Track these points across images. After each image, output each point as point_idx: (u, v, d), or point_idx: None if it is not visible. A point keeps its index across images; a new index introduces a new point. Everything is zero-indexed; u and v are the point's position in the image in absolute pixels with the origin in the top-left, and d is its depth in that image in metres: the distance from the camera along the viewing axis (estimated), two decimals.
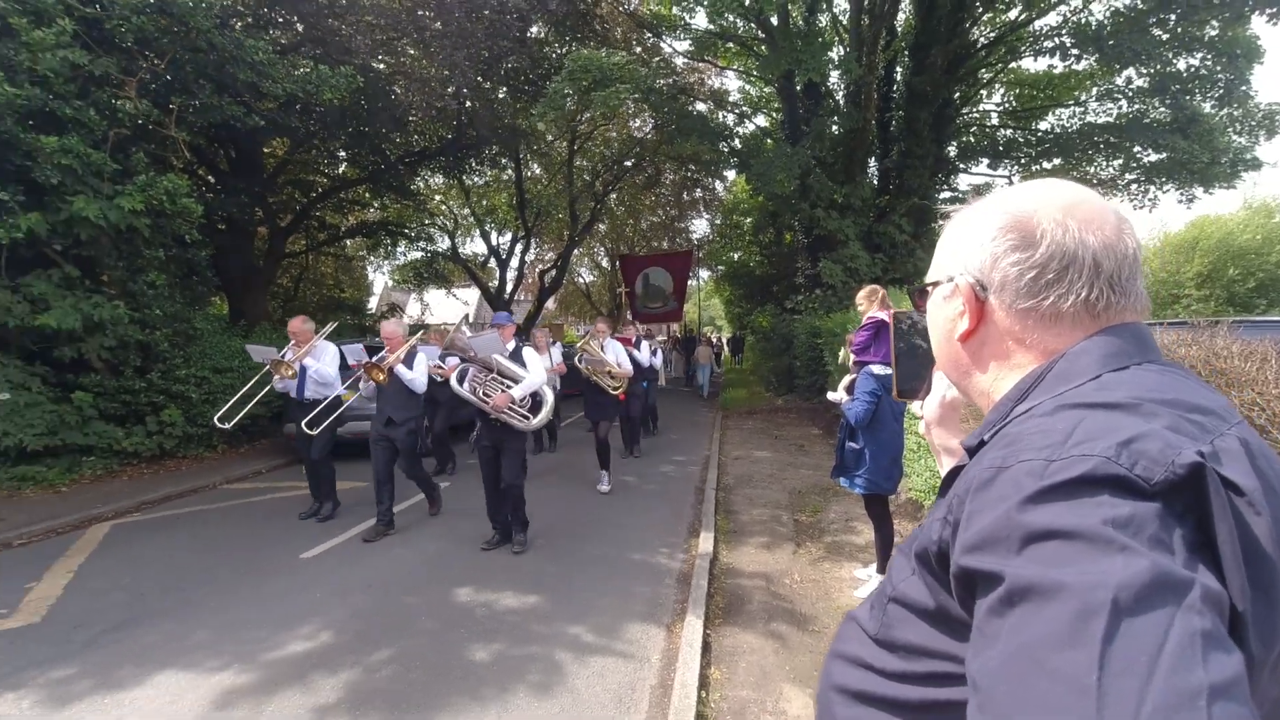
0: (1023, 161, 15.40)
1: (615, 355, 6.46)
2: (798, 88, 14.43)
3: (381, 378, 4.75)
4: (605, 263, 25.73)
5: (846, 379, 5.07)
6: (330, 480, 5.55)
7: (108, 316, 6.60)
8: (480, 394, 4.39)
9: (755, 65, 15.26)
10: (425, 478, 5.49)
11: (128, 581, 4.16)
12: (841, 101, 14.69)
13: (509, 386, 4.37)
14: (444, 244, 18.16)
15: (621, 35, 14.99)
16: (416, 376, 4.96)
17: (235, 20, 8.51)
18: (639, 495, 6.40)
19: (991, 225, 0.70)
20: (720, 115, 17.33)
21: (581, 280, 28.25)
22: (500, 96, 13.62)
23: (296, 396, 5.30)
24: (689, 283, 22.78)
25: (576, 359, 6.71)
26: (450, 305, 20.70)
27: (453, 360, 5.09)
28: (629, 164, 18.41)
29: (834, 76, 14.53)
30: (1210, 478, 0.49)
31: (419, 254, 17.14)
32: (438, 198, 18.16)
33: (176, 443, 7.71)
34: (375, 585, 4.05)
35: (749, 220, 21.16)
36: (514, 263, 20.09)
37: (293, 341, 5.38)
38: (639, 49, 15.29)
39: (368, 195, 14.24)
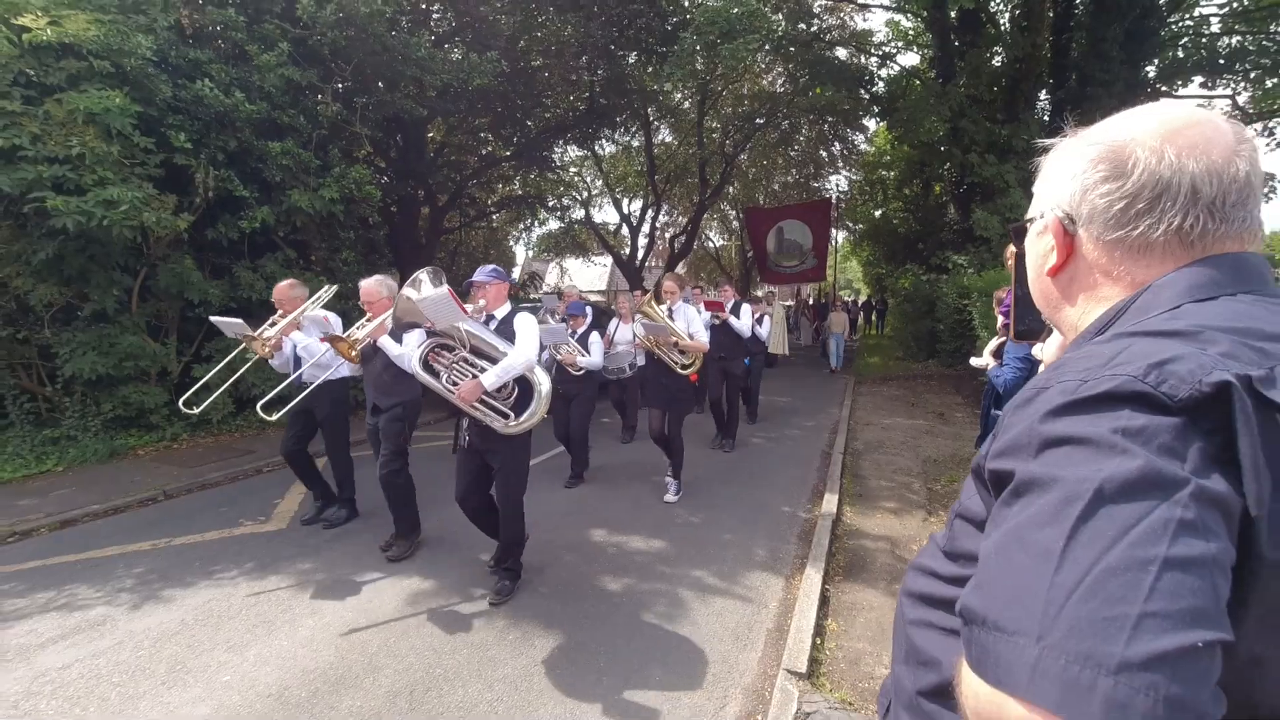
0: (1252, 76, 12.44)
1: (686, 322, 4.78)
2: (951, 13, 12.85)
3: (353, 355, 3.58)
4: (736, 225, 25.23)
5: (993, 343, 4.71)
6: (346, 478, 4.60)
7: (316, 287, 7.96)
8: (445, 380, 3.16)
9: None
10: (348, 476, 4.52)
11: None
12: (1005, 27, 12.87)
13: (484, 370, 3.11)
14: (579, 214, 19.05)
15: None
16: (406, 352, 3.50)
17: (402, 19, 9.54)
18: (764, 456, 6.50)
19: (1083, 157, 0.69)
20: (861, 59, 16.02)
21: (711, 244, 28.05)
22: (631, 61, 13.80)
23: (295, 378, 4.19)
24: (828, 238, 20.05)
25: (631, 328, 5.47)
26: (587, 272, 21.78)
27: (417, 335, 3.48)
28: (760, 121, 17.74)
29: None
30: (1238, 396, 0.49)
31: (557, 224, 18.17)
32: (573, 169, 18.98)
33: None
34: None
35: (892, 173, 19.49)
36: (644, 229, 20.50)
37: (279, 311, 4.26)
38: None
39: (510, 171, 15.30)
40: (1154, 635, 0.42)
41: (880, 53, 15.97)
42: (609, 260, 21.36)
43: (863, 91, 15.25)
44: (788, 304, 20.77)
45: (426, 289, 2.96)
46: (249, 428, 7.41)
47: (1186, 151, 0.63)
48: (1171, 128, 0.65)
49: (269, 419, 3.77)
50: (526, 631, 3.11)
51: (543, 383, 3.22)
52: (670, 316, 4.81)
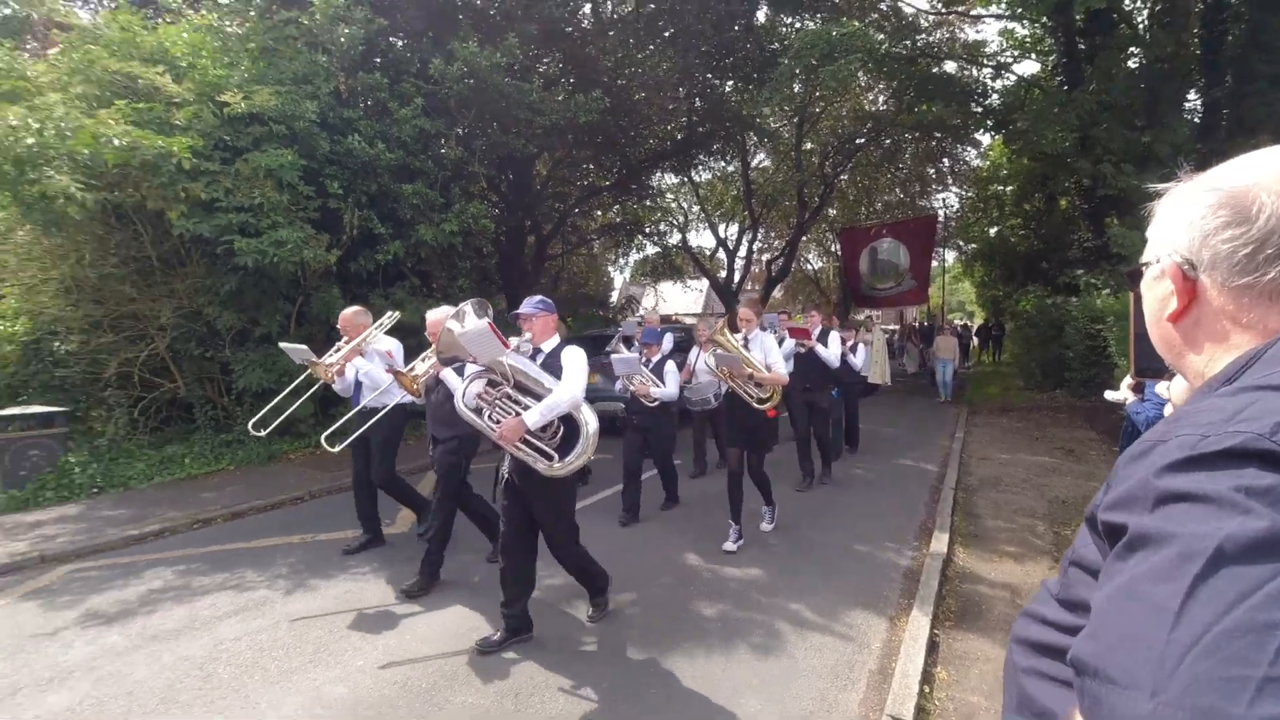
0: None
1: (763, 353, 4.38)
2: (1077, 17, 11.89)
3: (415, 389, 3.65)
4: (836, 248, 24.55)
5: (1131, 375, 4.28)
6: (410, 498, 4.67)
7: None
8: (487, 417, 3.00)
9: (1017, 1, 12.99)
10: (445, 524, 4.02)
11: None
12: (1143, 25, 11.71)
13: (527, 408, 2.95)
14: (675, 238, 19.43)
15: (856, 2, 14.13)
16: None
17: (515, 66, 10.41)
18: (867, 489, 6.25)
19: (1202, 203, 0.68)
20: (972, 72, 15.21)
21: (810, 266, 27.43)
22: (728, 88, 14.06)
23: (354, 404, 4.26)
24: (932, 260, 18.49)
25: (704, 358, 4.78)
26: (683, 296, 22.04)
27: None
28: (861, 141, 17.30)
29: None
30: None
31: (654, 249, 18.65)
32: (669, 196, 19.44)
33: None
34: (618, 542, 4.80)
35: (1009, 188, 18.14)
36: (741, 252, 20.49)
37: (344, 338, 4.32)
38: (874, 15, 14.25)
39: (610, 200, 15.97)
40: (1278, 700, 0.40)
41: (994, 63, 15.07)
42: (705, 284, 21.50)
43: (974, 105, 14.43)
44: (891, 329, 19.71)
45: (470, 321, 2.84)
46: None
47: None
48: None
49: (332, 449, 3.76)
50: (623, 647, 3.22)
51: (589, 422, 2.95)
52: (746, 346, 4.42)
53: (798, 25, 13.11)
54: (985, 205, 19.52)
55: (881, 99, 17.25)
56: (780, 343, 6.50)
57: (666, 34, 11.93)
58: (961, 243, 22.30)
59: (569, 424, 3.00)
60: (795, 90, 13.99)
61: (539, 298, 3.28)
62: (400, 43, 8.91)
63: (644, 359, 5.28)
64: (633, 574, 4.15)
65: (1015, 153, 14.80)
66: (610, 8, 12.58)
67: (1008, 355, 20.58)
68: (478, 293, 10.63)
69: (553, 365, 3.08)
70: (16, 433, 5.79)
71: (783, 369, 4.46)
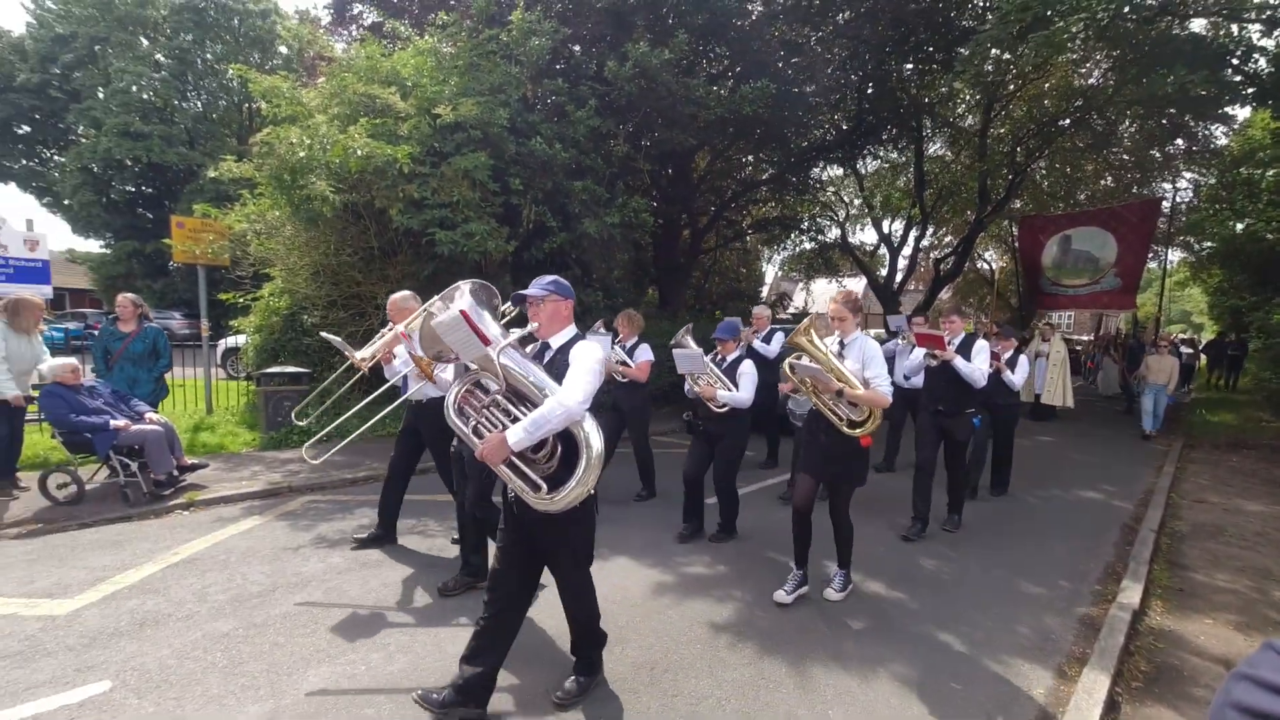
0: None
1: (860, 362, 3.52)
2: None
3: (433, 374, 2.96)
4: (1017, 245, 21.61)
5: None
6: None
7: (593, 302, 9.40)
8: (471, 428, 2.40)
9: None
10: (490, 522, 3.61)
11: (598, 493, 6.04)
12: None
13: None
14: (834, 234, 18.53)
15: None
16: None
17: (683, 62, 10.65)
18: (1040, 519, 5.60)
19: None
20: (1232, 30, 12.40)
21: (986, 265, 24.55)
22: (905, 72, 13.03)
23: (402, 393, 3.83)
24: (1149, 257, 14.25)
25: (787, 364, 3.76)
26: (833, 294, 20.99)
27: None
28: (1066, 123, 15.00)
29: None
30: None
31: (810, 244, 17.98)
32: (830, 189, 18.55)
33: None
34: (762, 538, 4.82)
35: (1270, 173, 14.53)
36: (906, 250, 18.98)
37: (390, 323, 4.14)
38: None
39: (768, 193, 15.68)
40: None
41: (1266, 18, 12.12)
42: (862, 283, 20.28)
43: (1231, 71, 11.77)
44: (1083, 339, 16.67)
45: (438, 310, 2.32)
46: None
47: None
48: None
49: (311, 460, 3.23)
50: (758, 647, 3.26)
51: (593, 443, 2.27)
52: (840, 353, 3.58)
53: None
54: (1231, 194, 15.85)
55: (1097, 72, 14.77)
56: (909, 351, 5.86)
57: (840, 17, 11.35)
58: (1193, 240, 18.42)
59: (568, 443, 2.35)
60: (989, 67, 12.51)
61: (551, 278, 2.61)
62: (579, 49, 9.58)
63: (718, 356, 4.66)
64: (767, 572, 4.17)
65: None
66: None
67: (1247, 379, 16.70)
68: (632, 283, 11.15)
69: (561, 365, 2.41)
70: (277, 386, 7.32)
71: (885, 386, 3.46)
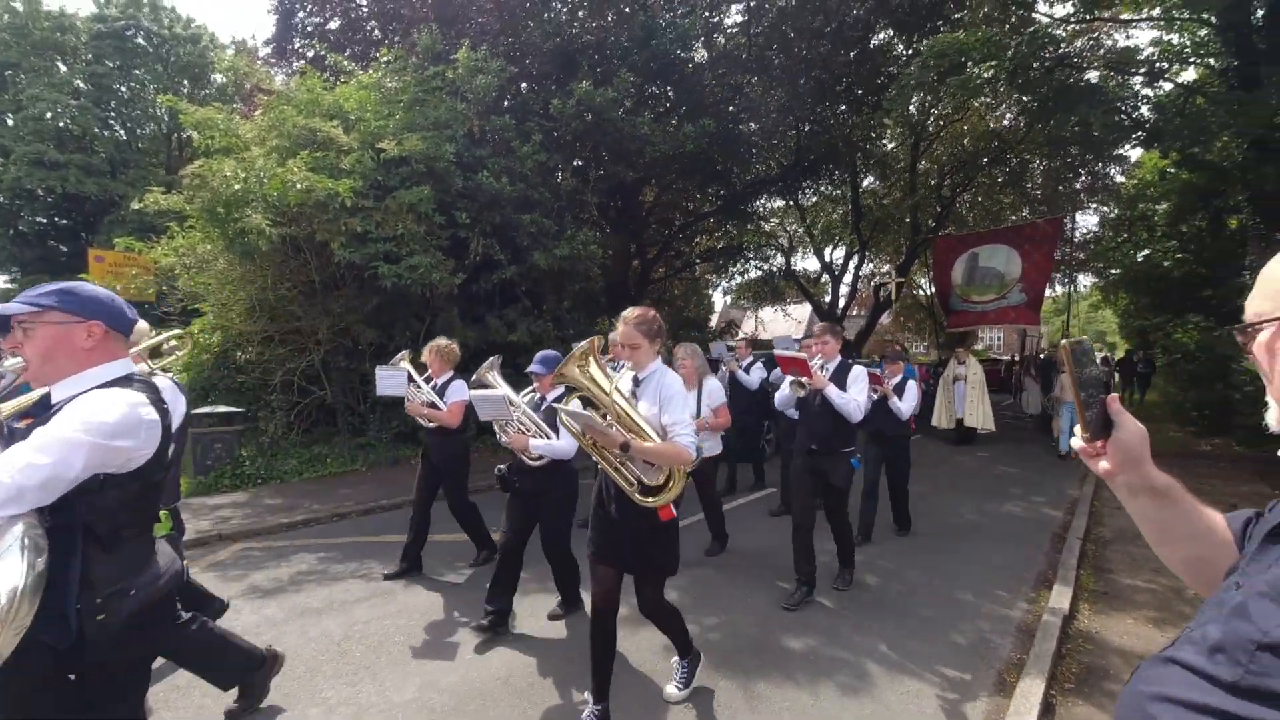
0: None
1: (658, 402, 2.59)
2: (1256, 14, 10.58)
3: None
4: None
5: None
6: (476, 530, 4.76)
7: (543, 333, 9.39)
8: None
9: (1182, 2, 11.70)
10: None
11: None
12: None
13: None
14: (778, 262, 19.22)
15: (982, 18, 13.44)
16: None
17: (627, 100, 11.01)
18: (975, 533, 5.85)
19: None
20: (1120, 79, 13.85)
21: (922, 292, 25.92)
22: (839, 113, 13.87)
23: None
24: (1052, 273, 14.35)
25: (561, 414, 2.84)
26: (782, 323, 21.68)
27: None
28: (984, 161, 16.25)
29: None
30: None
31: (756, 273, 18.57)
32: (774, 220, 19.31)
33: None
34: (710, 564, 4.86)
35: (1162, 206, 16.12)
36: (847, 277, 19.85)
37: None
38: (1005, 25, 13.45)
39: (714, 225, 16.19)
40: None
41: (1146, 71, 13.61)
42: (807, 310, 21.01)
43: (1121, 116, 13.11)
44: (1008, 360, 17.48)
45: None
46: (488, 449, 8.88)
47: None
48: None
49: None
50: (710, 671, 3.26)
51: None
52: (634, 391, 2.66)
53: (918, 47, 12.69)
54: (1131, 227, 17.45)
55: (1008, 116, 16.13)
56: (767, 375, 6.03)
57: (776, 62, 12.04)
58: (1101, 267, 20.08)
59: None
60: (912, 109, 13.46)
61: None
62: (526, 87, 9.78)
63: (537, 396, 3.78)
64: (720, 596, 4.20)
65: (1174, 165, 13.19)
66: (722, 41, 12.91)
67: (1154, 395, 18.07)
68: (583, 314, 11.20)
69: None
70: (206, 428, 6.93)
71: (687, 437, 2.50)
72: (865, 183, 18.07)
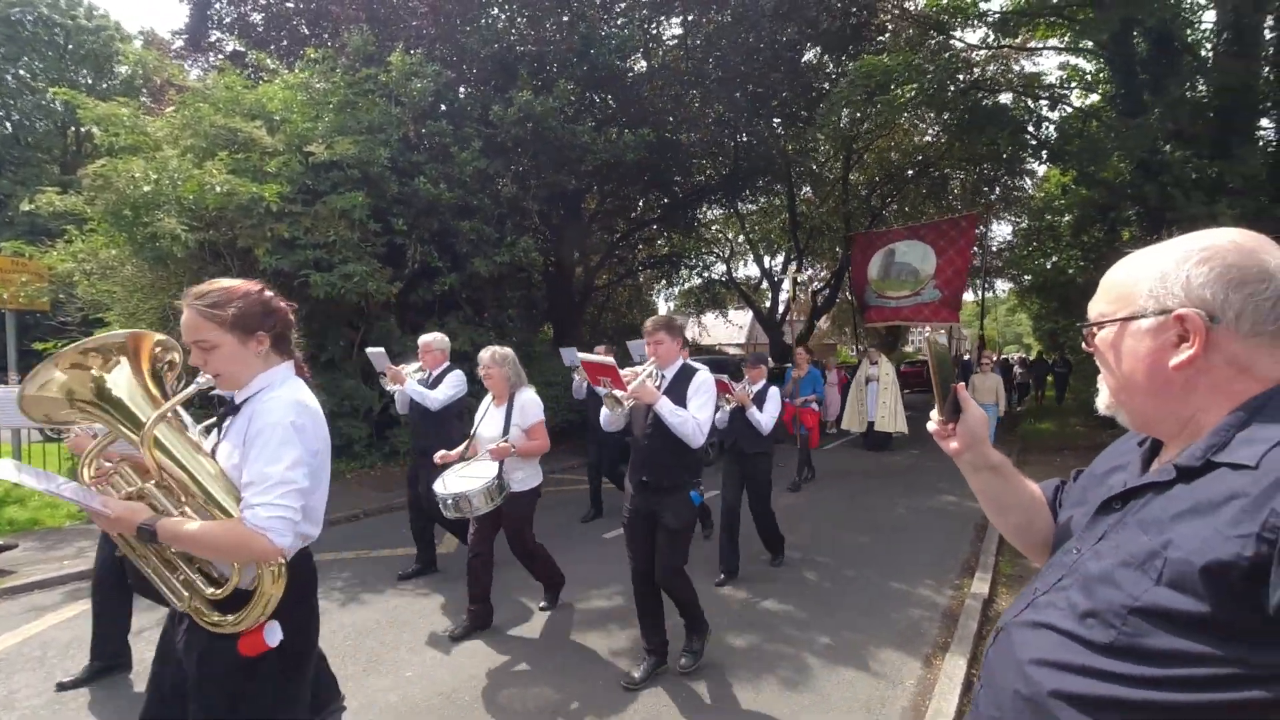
0: None
1: (243, 443, 1.48)
2: (1139, 47, 11.75)
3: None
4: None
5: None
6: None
7: (485, 341, 9.21)
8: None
9: (1075, 32, 12.86)
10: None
11: None
12: (1210, 52, 11.40)
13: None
14: (720, 270, 19.64)
15: (904, 41, 14.29)
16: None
17: (568, 109, 11.01)
18: (907, 527, 6.16)
19: (1216, 259, 0.76)
20: (1028, 103, 15.04)
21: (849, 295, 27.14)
22: (774, 126, 14.37)
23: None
24: (967, 271, 13.76)
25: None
26: (724, 329, 22.11)
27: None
28: (910, 173, 17.22)
29: (1205, 20, 11.45)
30: None
31: (698, 280, 18.90)
32: (715, 228, 19.75)
33: None
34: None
35: (1066, 218, 17.57)
36: (786, 283, 20.52)
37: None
38: (924, 51, 14.34)
39: (656, 232, 16.39)
40: None
41: (1050, 95, 14.85)
42: (748, 316, 21.54)
43: (1028, 136, 14.24)
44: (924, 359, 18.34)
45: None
46: None
47: None
48: (1267, 241, 0.78)
49: None
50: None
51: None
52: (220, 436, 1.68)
53: (845, 67, 13.35)
54: (1040, 237, 18.91)
55: (930, 133, 17.17)
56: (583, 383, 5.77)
57: (714, 75, 12.35)
58: (1014, 274, 21.62)
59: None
60: (843, 123, 14.13)
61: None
62: (464, 92, 9.62)
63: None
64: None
65: (1074, 182, 14.41)
66: (661, 53, 13.13)
67: (1070, 396, 19.26)
68: (526, 321, 11.08)
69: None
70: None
71: (264, 502, 1.42)
72: (802, 193, 18.79)
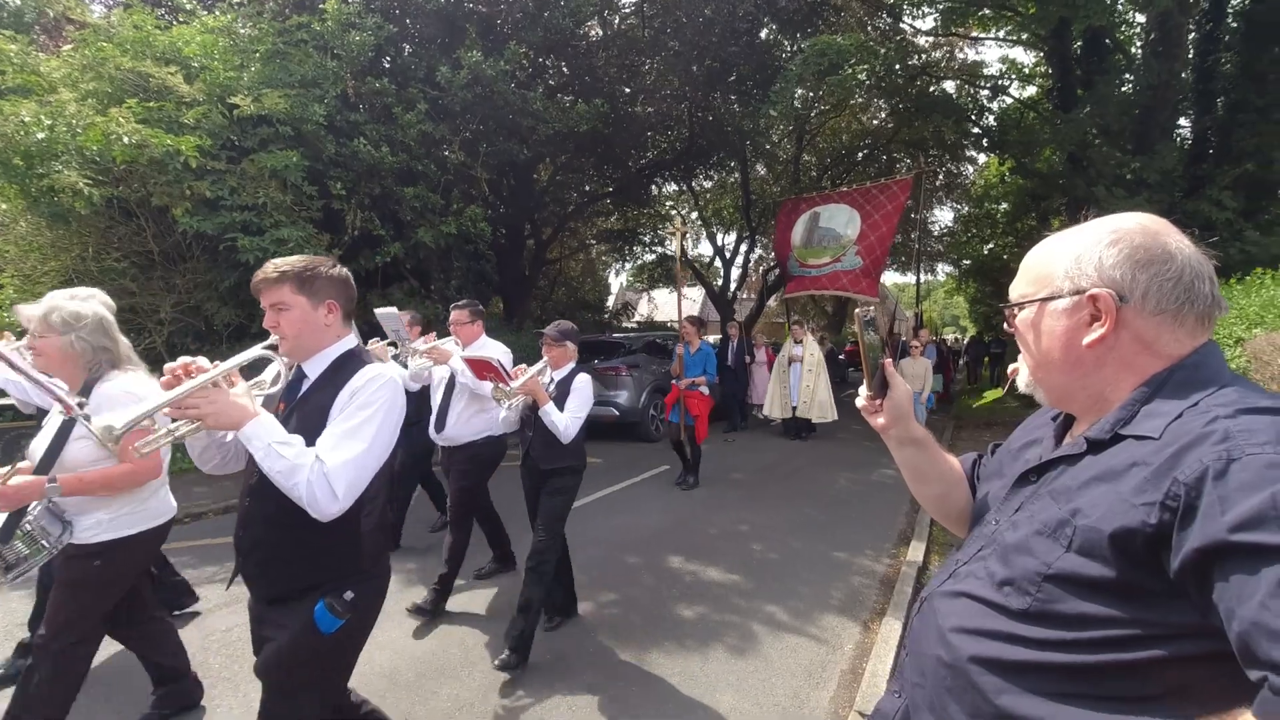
0: None
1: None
2: (1075, 44, 12.30)
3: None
4: None
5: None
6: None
7: (432, 314, 8.89)
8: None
9: (1017, 25, 13.31)
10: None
11: (435, 515, 5.70)
12: (1137, 52, 12.04)
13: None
14: (673, 247, 19.56)
15: (856, 22, 14.41)
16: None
17: (519, 75, 10.57)
18: (850, 499, 6.38)
19: (1123, 242, 0.80)
20: (970, 91, 15.55)
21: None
22: (730, 102, 14.29)
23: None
24: (894, 236, 12.17)
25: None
26: (675, 305, 22.19)
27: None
28: (860, 156, 17.54)
29: (1137, 19, 12.03)
30: None
31: (651, 256, 18.81)
32: (669, 204, 19.63)
33: None
34: (604, 542, 4.90)
35: (1003, 206, 18.42)
36: (738, 261, 20.68)
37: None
38: (874, 33, 14.53)
39: (610, 206, 16.14)
40: None
41: (991, 85, 15.39)
42: (700, 293, 21.63)
43: (970, 123, 14.75)
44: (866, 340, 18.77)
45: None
46: None
47: (1190, 246, 0.80)
48: (1168, 225, 0.82)
49: None
50: (603, 646, 3.32)
51: None
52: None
53: (800, 45, 13.36)
54: (979, 224, 19.76)
55: (879, 116, 17.50)
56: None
57: (670, 47, 12.13)
58: (955, 259, 22.55)
59: None
60: (796, 103, 14.22)
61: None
62: (408, 49, 9.06)
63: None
64: (615, 573, 4.25)
65: (1010, 171, 15.06)
66: (617, 21, 12.77)
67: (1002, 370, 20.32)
68: (474, 293, 10.73)
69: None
70: (7, 422, 5.84)
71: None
72: (756, 172, 18.87)
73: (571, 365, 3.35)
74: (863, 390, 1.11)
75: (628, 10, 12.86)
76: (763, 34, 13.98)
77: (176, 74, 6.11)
